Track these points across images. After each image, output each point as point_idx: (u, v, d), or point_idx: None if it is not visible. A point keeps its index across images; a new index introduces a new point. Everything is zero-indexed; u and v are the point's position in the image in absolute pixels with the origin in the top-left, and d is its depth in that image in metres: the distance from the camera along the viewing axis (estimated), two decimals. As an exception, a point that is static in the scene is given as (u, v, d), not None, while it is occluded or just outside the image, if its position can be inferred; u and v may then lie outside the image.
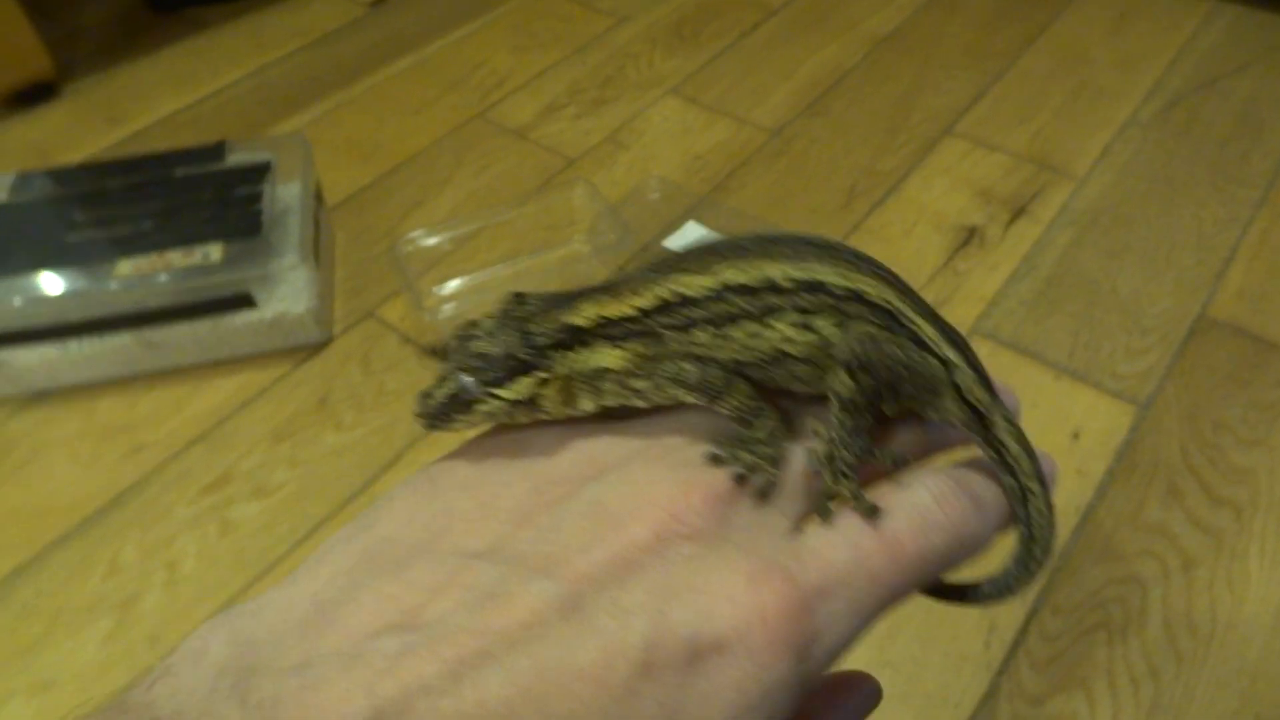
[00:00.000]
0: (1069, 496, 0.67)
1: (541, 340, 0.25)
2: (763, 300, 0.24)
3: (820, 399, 0.26)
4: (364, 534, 0.24)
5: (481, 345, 0.25)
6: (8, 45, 1.04)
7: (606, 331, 0.25)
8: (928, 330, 0.26)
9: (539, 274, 0.85)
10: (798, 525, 0.25)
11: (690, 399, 0.26)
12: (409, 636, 0.21)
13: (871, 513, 0.24)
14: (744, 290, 0.24)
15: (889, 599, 0.24)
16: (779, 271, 0.25)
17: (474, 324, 0.26)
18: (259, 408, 0.75)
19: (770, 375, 0.26)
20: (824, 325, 0.25)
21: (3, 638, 0.62)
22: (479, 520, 0.24)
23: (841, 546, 0.24)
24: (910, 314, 0.25)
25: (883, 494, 0.25)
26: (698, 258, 0.26)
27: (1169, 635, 0.59)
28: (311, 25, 1.20)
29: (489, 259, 0.86)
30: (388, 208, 0.93)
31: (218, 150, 0.82)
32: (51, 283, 0.71)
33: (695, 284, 0.25)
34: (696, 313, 0.25)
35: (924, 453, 0.29)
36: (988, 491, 0.26)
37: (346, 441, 0.72)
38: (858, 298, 0.25)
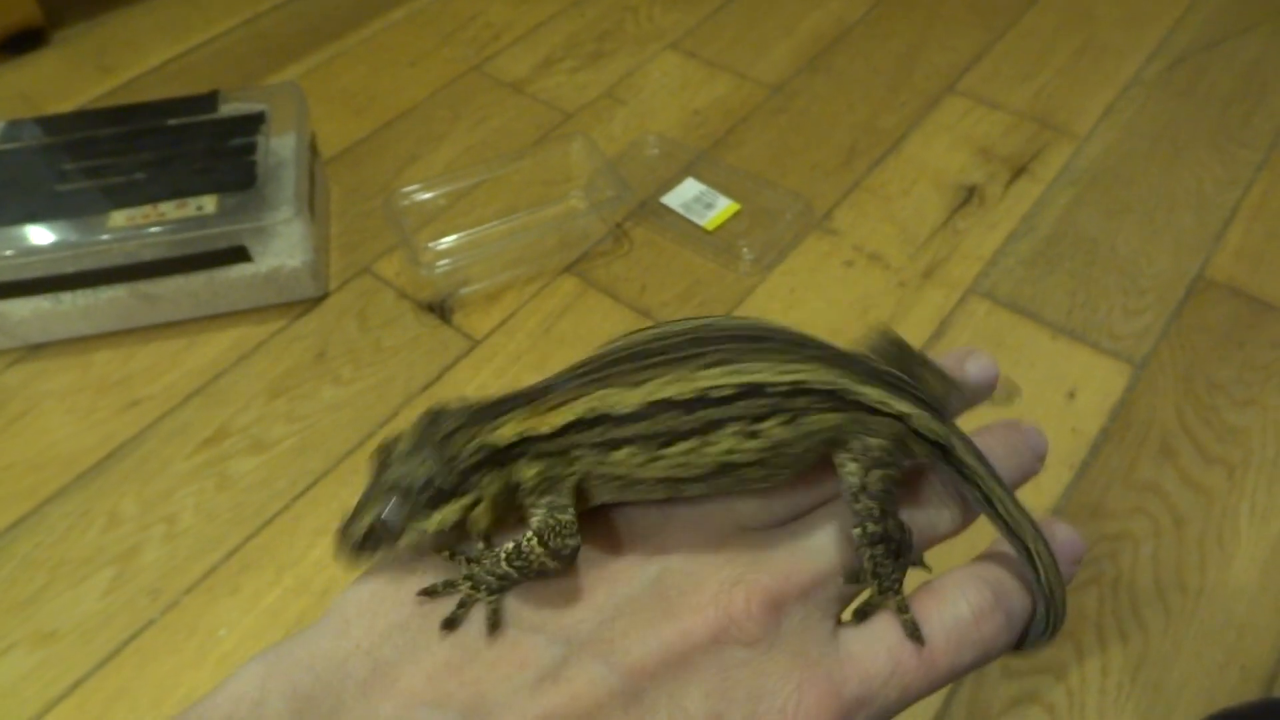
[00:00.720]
0: (1064, 455, 0.67)
1: (463, 464, 0.24)
2: (699, 416, 0.23)
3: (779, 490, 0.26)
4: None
5: (400, 473, 0.24)
6: (-7, -9, 1.02)
7: (526, 448, 0.24)
8: (874, 395, 0.25)
9: (535, 229, 0.84)
10: (837, 622, 0.25)
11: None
12: (469, 714, 0.21)
13: (915, 634, 0.24)
14: (676, 406, 0.23)
15: (910, 704, 0.25)
16: (712, 381, 0.23)
17: (390, 447, 0.25)
18: (255, 362, 0.75)
19: (715, 485, 0.25)
20: (771, 427, 0.24)
21: (3, 589, 0.62)
22: (535, 588, 0.24)
23: (882, 658, 0.24)
24: (855, 386, 0.25)
25: (921, 603, 0.26)
26: (629, 362, 0.24)
27: (1159, 590, 0.60)
28: (304, -26, 1.17)
29: (485, 214, 0.85)
30: (383, 161, 0.92)
31: (210, 100, 0.80)
32: (43, 234, 0.70)
33: (622, 401, 0.23)
34: (624, 431, 0.23)
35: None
36: (1018, 599, 0.27)
37: (344, 396, 0.72)
38: (800, 390, 0.24)
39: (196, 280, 0.74)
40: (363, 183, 0.90)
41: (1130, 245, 0.82)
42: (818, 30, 1.05)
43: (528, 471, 0.24)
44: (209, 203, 0.72)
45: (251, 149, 0.76)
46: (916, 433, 0.26)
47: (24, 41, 1.07)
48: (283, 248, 0.75)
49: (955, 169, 0.89)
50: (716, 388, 0.23)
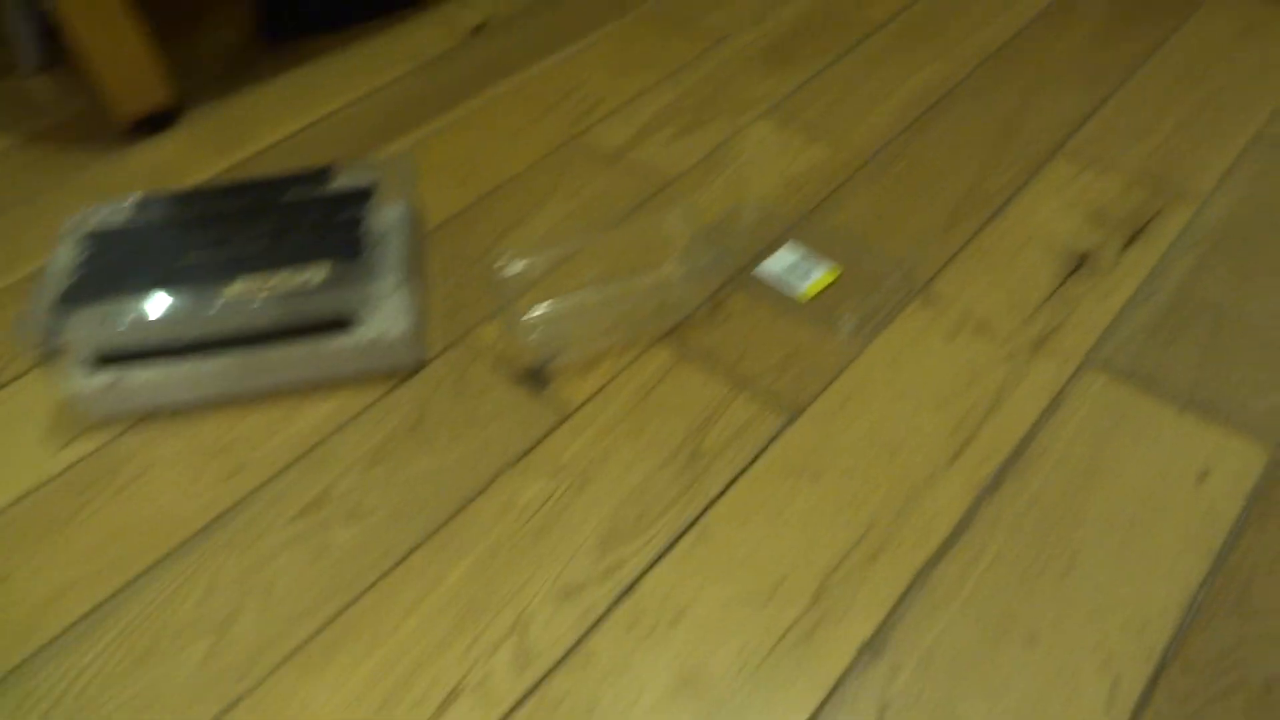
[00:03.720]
0: (1198, 542, 0.62)
1: None
2: None
3: None
4: None
5: None
6: (136, 75, 1.09)
7: None
8: None
9: (632, 298, 0.84)
10: None
11: None
12: None
13: None
14: None
15: None
16: None
17: None
18: (354, 430, 0.76)
19: None
20: None
21: (106, 655, 0.64)
22: None
23: None
24: None
25: None
26: None
27: (1312, 700, 0.54)
28: (417, 51, 1.23)
29: (582, 281, 0.86)
30: (484, 230, 0.94)
31: (324, 174, 0.84)
32: (162, 304, 0.74)
33: None
34: None
35: None
36: None
37: (439, 466, 0.73)
38: None
39: (301, 349, 0.76)
40: (463, 251, 0.92)
41: (1261, 312, 0.76)
42: (917, 93, 1.04)
43: None
44: (316, 274, 0.74)
45: (359, 222, 0.78)
46: None
47: (159, 122, 1.14)
48: (384, 318, 0.77)
49: (1066, 233, 0.85)
50: None
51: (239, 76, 1.22)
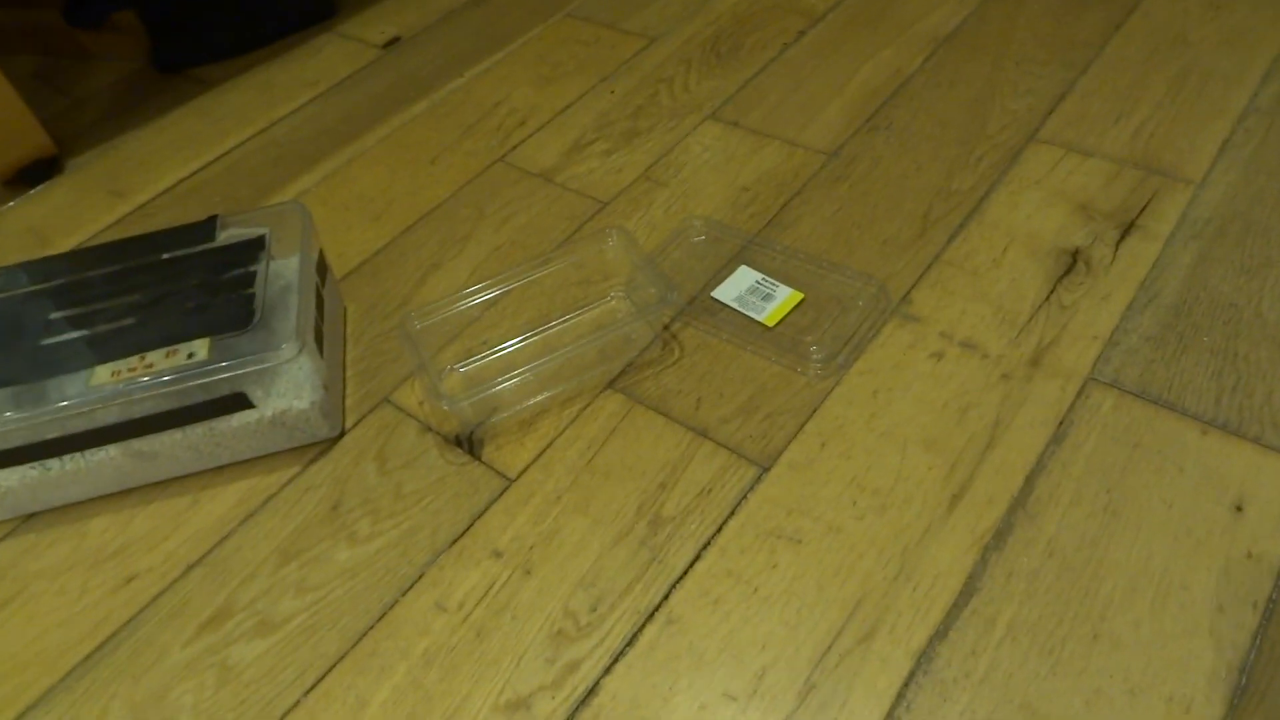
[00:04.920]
0: (1242, 590, 0.53)
1: None
2: None
3: None
4: None
5: None
6: (7, 122, 0.97)
7: None
8: None
9: (572, 342, 0.74)
10: None
11: None
12: None
13: None
14: None
15: None
16: None
17: None
18: (264, 520, 0.66)
19: None
20: None
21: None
22: None
23: None
24: None
25: None
26: None
27: (1401, 781, 0.46)
28: (321, 74, 1.12)
29: (515, 325, 0.76)
30: (403, 273, 0.84)
31: (208, 228, 0.73)
32: (24, 397, 0.63)
33: None
34: None
35: None
36: None
37: (361, 558, 0.63)
38: None
39: (195, 432, 0.66)
40: (381, 298, 0.81)
41: (1279, 309, 0.68)
42: (872, 85, 0.95)
43: None
44: (201, 347, 0.63)
45: (249, 280, 0.68)
46: None
47: (37, 172, 1.03)
48: (288, 388, 0.67)
49: (1052, 231, 0.76)
50: None
51: (131, 113, 1.11)
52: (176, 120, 1.09)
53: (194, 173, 1.00)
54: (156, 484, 0.69)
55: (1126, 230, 0.75)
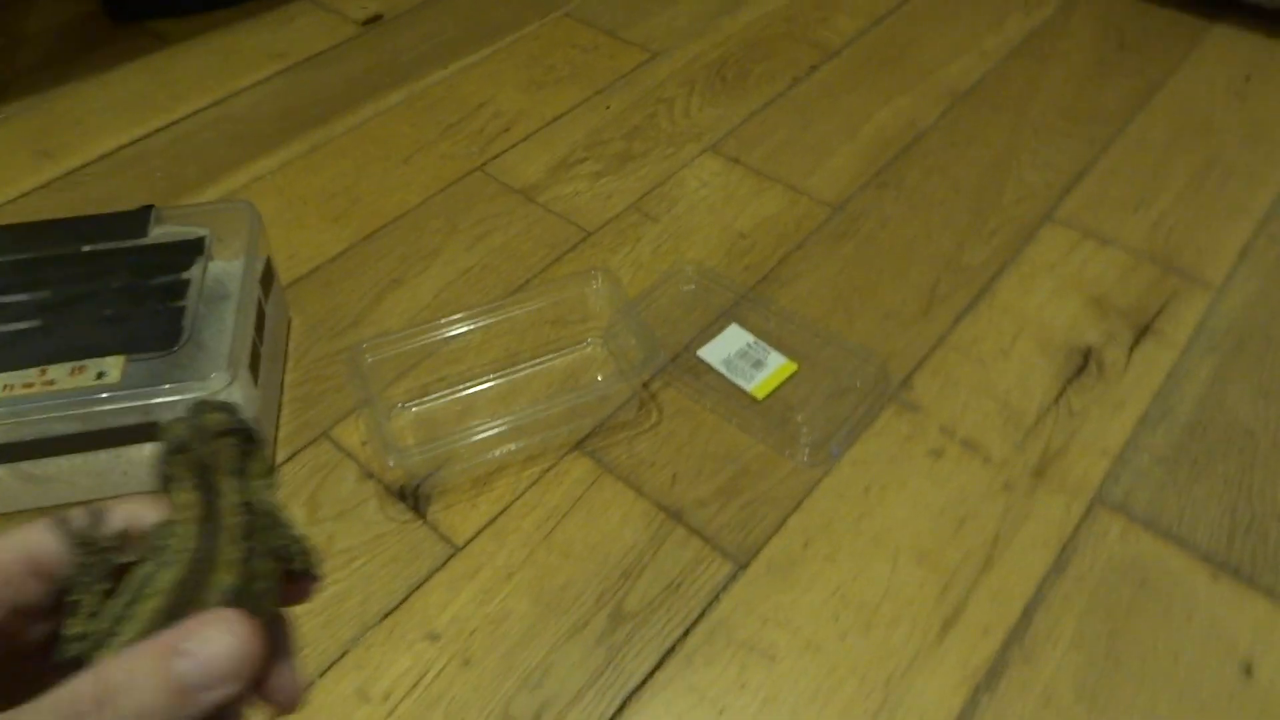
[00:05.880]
0: (1250, 771, 0.49)
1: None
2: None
3: None
4: None
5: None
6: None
7: None
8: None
9: (543, 386, 0.67)
10: None
11: None
12: None
13: None
14: None
15: None
16: None
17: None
18: (168, 567, 0.58)
19: None
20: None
21: None
22: None
23: None
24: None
25: None
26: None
27: None
28: (292, 46, 1.02)
29: (480, 364, 0.69)
30: (360, 285, 0.76)
31: (140, 220, 0.64)
32: (-104, 402, 0.54)
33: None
34: None
35: None
36: None
37: (276, 626, 0.55)
38: None
39: (98, 459, 0.57)
40: (332, 313, 0.73)
41: (1297, 440, 0.64)
42: (885, 133, 0.89)
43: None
44: (114, 367, 0.55)
45: (181, 290, 0.59)
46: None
47: (-42, 117, 0.92)
48: (212, 419, 0.58)
49: (1064, 324, 0.71)
50: None
51: (73, 62, 1.00)
52: (124, 77, 0.98)
53: (136, 140, 0.91)
54: (53, 507, 0.60)
55: (1142, 333, 0.71)
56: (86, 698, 0.22)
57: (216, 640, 0.23)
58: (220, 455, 0.28)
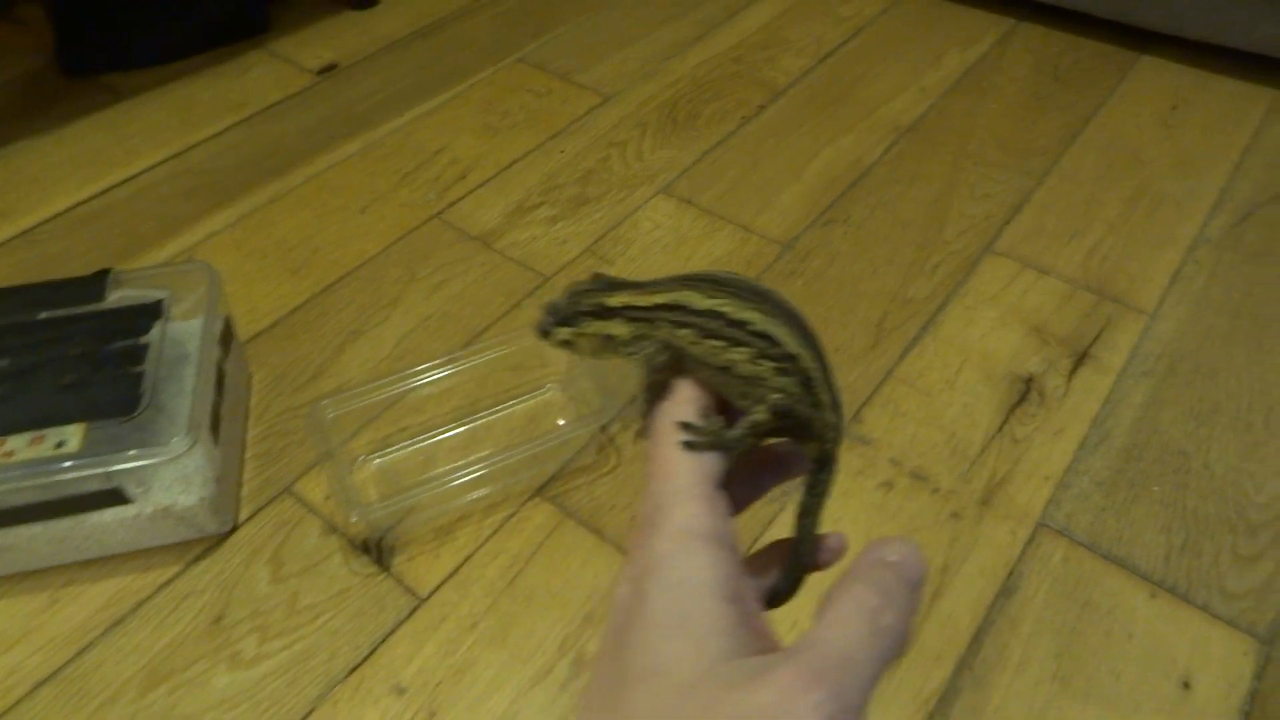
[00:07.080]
0: (1190, 785, 0.51)
1: (584, 307, 0.33)
2: (734, 333, 0.30)
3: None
4: None
5: (557, 301, 0.33)
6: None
7: (626, 313, 0.32)
8: (825, 397, 0.31)
9: (504, 432, 0.69)
10: None
11: (639, 365, 0.32)
12: None
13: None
14: (727, 320, 0.30)
15: None
16: (755, 318, 0.30)
17: (573, 285, 0.34)
18: (132, 630, 0.58)
19: (712, 378, 0.31)
20: (766, 366, 0.30)
21: None
22: None
23: None
24: (820, 381, 0.31)
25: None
26: (709, 284, 0.31)
27: None
28: (249, 97, 1.04)
29: (441, 413, 0.70)
30: (320, 336, 0.76)
31: (97, 284, 0.65)
32: None
33: (697, 302, 0.31)
34: (690, 319, 0.31)
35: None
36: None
37: (243, 685, 0.55)
38: (793, 360, 0.30)
39: (58, 526, 0.58)
40: (293, 366, 0.74)
41: (1227, 461, 0.67)
42: (831, 172, 0.92)
43: (622, 330, 0.32)
44: (73, 435, 0.55)
45: (139, 355, 0.60)
46: (824, 444, 0.32)
47: (-90, 178, 0.92)
48: (174, 481, 0.59)
49: (1006, 353, 0.74)
50: (754, 323, 0.30)
51: (26, 118, 1.00)
52: (79, 133, 0.99)
53: (93, 196, 0.91)
54: (11, 576, 0.61)
55: (1080, 360, 0.74)
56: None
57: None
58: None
